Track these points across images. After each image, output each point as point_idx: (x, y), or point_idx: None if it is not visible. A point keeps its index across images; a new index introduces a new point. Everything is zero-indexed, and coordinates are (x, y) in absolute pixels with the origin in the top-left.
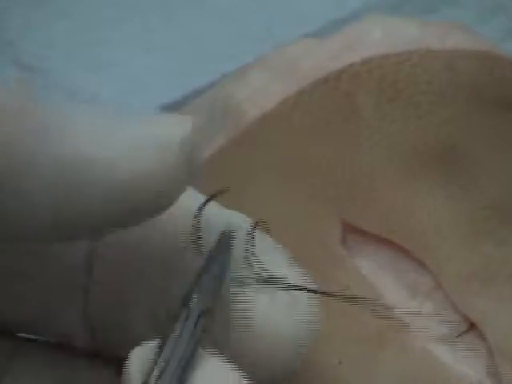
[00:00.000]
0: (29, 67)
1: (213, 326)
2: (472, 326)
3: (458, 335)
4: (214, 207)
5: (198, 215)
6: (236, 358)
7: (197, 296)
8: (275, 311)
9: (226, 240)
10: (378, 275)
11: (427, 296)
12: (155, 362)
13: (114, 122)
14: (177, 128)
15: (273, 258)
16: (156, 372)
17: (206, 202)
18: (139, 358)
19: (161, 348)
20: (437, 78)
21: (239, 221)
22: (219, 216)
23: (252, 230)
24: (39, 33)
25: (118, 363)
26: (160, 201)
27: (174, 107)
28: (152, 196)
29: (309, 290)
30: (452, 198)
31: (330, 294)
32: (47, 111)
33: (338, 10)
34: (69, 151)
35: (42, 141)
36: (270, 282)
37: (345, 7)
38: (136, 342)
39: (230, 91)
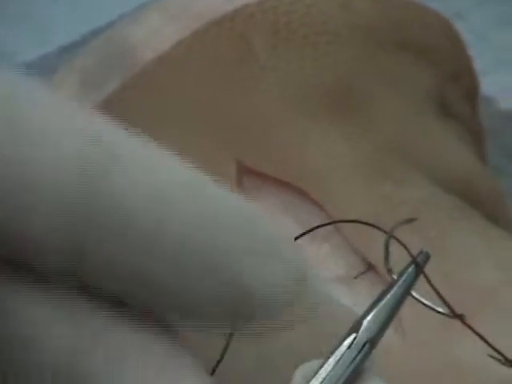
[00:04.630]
0: None
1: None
2: (371, 268)
3: (356, 276)
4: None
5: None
6: None
7: (368, 323)
8: None
9: (412, 272)
10: (276, 218)
11: (325, 239)
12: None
13: None
14: None
15: None
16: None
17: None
18: (302, 374)
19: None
20: (332, 18)
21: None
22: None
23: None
24: None
25: None
26: None
27: (73, 48)
28: None
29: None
30: (349, 138)
31: None
32: None
33: None
34: None
35: None
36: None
37: None
38: None
39: (125, 33)
